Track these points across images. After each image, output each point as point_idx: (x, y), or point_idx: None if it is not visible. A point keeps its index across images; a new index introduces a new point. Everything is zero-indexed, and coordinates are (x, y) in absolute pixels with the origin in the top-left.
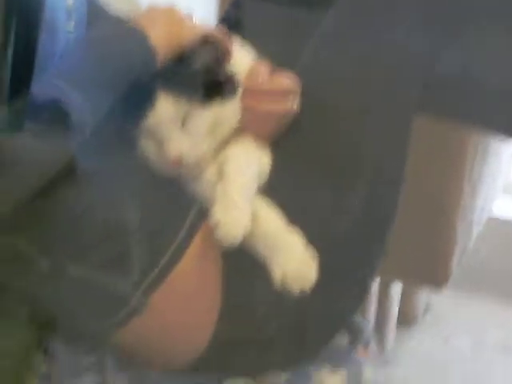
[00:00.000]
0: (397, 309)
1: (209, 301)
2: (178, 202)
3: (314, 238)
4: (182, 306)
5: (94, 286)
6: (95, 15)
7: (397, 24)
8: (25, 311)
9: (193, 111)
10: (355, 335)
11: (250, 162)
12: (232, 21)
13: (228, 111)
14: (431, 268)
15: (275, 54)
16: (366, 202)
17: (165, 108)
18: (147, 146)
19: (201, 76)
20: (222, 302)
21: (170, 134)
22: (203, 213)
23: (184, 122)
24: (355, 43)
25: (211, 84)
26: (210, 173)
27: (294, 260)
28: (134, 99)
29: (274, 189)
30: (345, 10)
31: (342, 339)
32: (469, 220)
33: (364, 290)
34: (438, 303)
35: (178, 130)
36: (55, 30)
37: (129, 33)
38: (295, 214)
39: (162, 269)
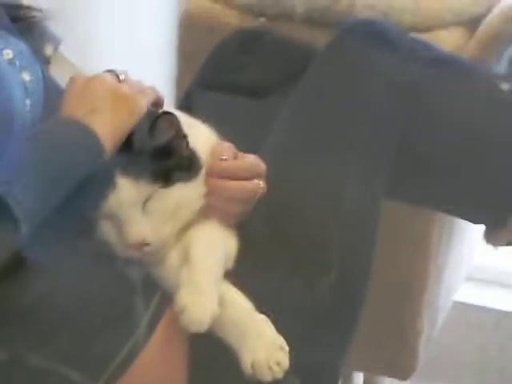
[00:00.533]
0: None
1: None
2: (139, 289)
3: (282, 326)
4: None
5: (54, 377)
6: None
7: (363, 106)
8: None
9: (154, 193)
10: None
11: (215, 246)
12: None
13: (191, 192)
14: (397, 358)
15: (234, 141)
16: (335, 291)
17: (125, 190)
18: (107, 231)
19: (162, 153)
20: None
21: (130, 217)
22: (166, 299)
23: (145, 205)
24: (318, 128)
25: (174, 160)
26: (173, 257)
27: (264, 347)
28: (91, 184)
29: (242, 274)
30: (305, 96)
31: None
32: (434, 307)
33: (335, 379)
34: None
35: (139, 213)
36: (12, 108)
37: (72, 127)
38: (263, 301)
39: (122, 359)
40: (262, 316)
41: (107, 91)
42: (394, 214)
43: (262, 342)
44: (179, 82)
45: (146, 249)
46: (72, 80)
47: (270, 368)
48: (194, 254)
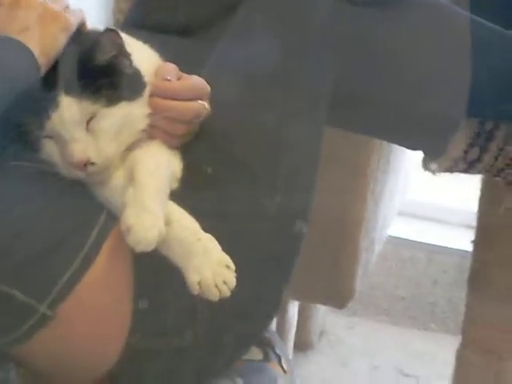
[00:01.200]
0: (293, 333)
1: (119, 311)
2: (83, 209)
3: (229, 244)
4: (91, 318)
5: None
6: None
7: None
8: None
9: (98, 112)
10: (268, 350)
11: (160, 166)
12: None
13: (135, 111)
14: (334, 287)
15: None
16: (281, 210)
17: (68, 109)
18: (50, 151)
19: (105, 70)
20: (134, 312)
21: (73, 136)
22: (111, 219)
23: (89, 124)
24: (260, 57)
25: (117, 79)
26: (117, 177)
27: (210, 265)
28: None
29: (187, 194)
30: (245, 27)
31: (256, 354)
32: (371, 237)
33: (279, 299)
34: (332, 327)
35: (83, 132)
36: None
37: (6, 44)
38: (209, 220)
39: (68, 280)
40: (208, 235)
41: (37, 8)
42: (332, 141)
43: (208, 261)
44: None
45: (91, 168)
46: None
47: (216, 286)
48: (139, 174)
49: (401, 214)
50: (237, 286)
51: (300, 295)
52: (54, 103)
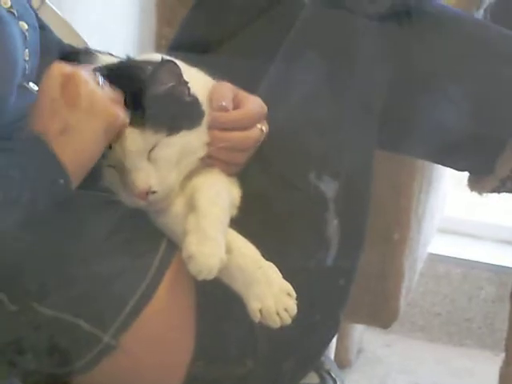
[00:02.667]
0: (333, 352)
1: (182, 339)
2: (145, 238)
3: (290, 271)
4: (154, 346)
5: (64, 327)
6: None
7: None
8: None
9: (159, 141)
10: (324, 373)
11: (221, 194)
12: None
13: (195, 140)
14: (380, 307)
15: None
16: (340, 237)
17: (131, 140)
18: (112, 180)
19: (165, 100)
20: (196, 340)
21: (136, 165)
22: (172, 247)
23: (150, 154)
24: (310, 74)
25: (177, 108)
26: (177, 204)
27: (272, 293)
28: None
29: (247, 222)
30: (295, 45)
31: (313, 378)
32: (414, 257)
33: (337, 324)
34: (370, 345)
35: (145, 161)
36: (17, 55)
37: (42, 159)
38: (270, 247)
39: (132, 308)
40: (269, 263)
41: (85, 101)
42: (377, 163)
43: (270, 289)
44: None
45: (152, 197)
46: (51, 73)
47: (278, 314)
48: (200, 203)
49: (436, 230)
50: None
51: (344, 316)
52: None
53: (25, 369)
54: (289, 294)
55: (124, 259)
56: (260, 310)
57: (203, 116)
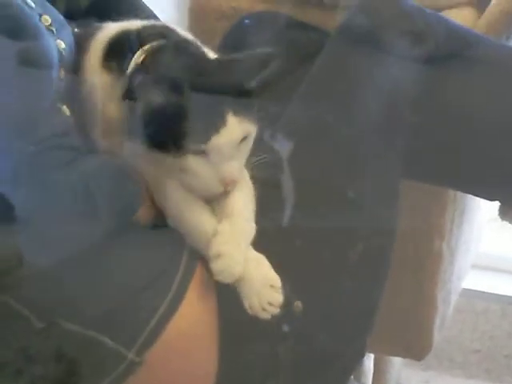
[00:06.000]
0: None
1: (206, 357)
2: (167, 254)
3: (315, 292)
4: (178, 363)
5: (88, 344)
6: None
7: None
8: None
9: (250, 133)
10: None
11: (250, 202)
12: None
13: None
14: (413, 339)
15: None
16: (363, 258)
17: (235, 128)
18: (198, 166)
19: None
20: (219, 363)
21: (233, 154)
22: (193, 265)
23: (240, 143)
24: (333, 111)
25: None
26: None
27: (255, 290)
28: None
29: (271, 239)
30: (319, 80)
31: None
32: (448, 288)
33: (362, 349)
34: (407, 382)
35: (237, 151)
36: (52, 73)
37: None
38: (294, 268)
39: (155, 325)
40: (257, 255)
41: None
42: (407, 194)
43: (253, 285)
44: None
45: (232, 186)
46: None
47: (264, 309)
48: (234, 206)
49: (474, 266)
50: (319, 335)
51: (377, 347)
52: (222, 120)
53: None
54: (272, 286)
55: (147, 276)
56: (248, 307)
57: None
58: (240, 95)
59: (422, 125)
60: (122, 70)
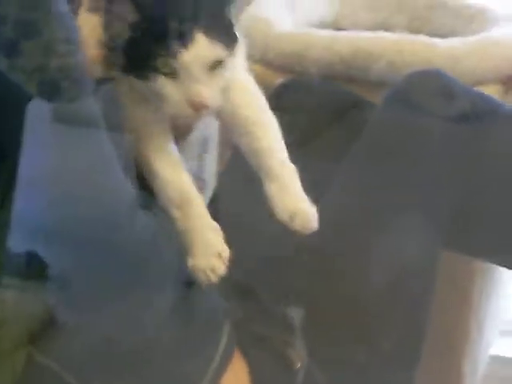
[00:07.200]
0: None
1: None
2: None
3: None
4: None
5: None
6: None
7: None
8: None
9: (225, 59)
10: None
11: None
12: None
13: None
14: None
15: None
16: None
17: (202, 47)
18: (166, 87)
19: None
20: None
21: (200, 75)
22: (232, 344)
23: (209, 69)
24: (375, 187)
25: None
26: None
27: (204, 253)
28: None
29: None
30: (361, 156)
31: None
32: (475, 359)
33: None
34: None
35: (206, 74)
36: None
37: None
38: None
39: None
40: (214, 224)
41: None
42: None
43: (204, 249)
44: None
45: (203, 111)
46: None
47: (204, 273)
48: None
49: (502, 333)
50: None
51: None
52: (190, 37)
53: None
54: (219, 255)
55: (192, 343)
56: (191, 267)
57: None
58: (213, 18)
59: (460, 194)
60: None
